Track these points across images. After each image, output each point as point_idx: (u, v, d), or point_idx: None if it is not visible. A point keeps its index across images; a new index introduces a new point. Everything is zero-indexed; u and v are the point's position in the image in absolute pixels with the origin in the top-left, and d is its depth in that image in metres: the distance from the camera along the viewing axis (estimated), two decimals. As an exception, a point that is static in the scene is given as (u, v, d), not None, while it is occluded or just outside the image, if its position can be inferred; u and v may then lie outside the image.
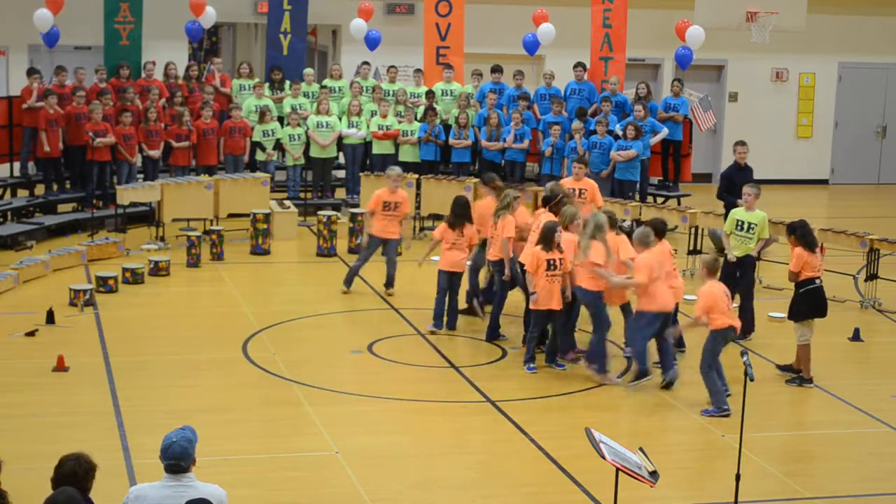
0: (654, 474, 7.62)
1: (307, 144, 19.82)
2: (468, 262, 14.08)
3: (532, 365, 12.49)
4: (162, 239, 17.75)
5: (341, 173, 20.97)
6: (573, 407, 11.63)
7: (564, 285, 12.37)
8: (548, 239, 12.15)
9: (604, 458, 7.40)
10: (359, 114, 19.93)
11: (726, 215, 14.55)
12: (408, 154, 19.74)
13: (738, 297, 14.08)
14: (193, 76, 20.26)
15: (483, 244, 13.92)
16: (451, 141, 19.66)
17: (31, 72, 18.80)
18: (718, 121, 23.76)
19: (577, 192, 15.04)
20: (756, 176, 15.71)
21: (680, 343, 12.88)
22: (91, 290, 14.49)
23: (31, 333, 13.10)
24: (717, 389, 11.37)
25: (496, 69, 20.62)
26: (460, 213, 13.77)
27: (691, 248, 17.04)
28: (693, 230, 17.04)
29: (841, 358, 13.56)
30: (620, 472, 7.47)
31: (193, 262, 16.48)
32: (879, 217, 22.04)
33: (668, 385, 11.93)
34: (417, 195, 18.89)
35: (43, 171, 18.65)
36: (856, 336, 14.08)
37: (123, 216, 18.25)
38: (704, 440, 10.92)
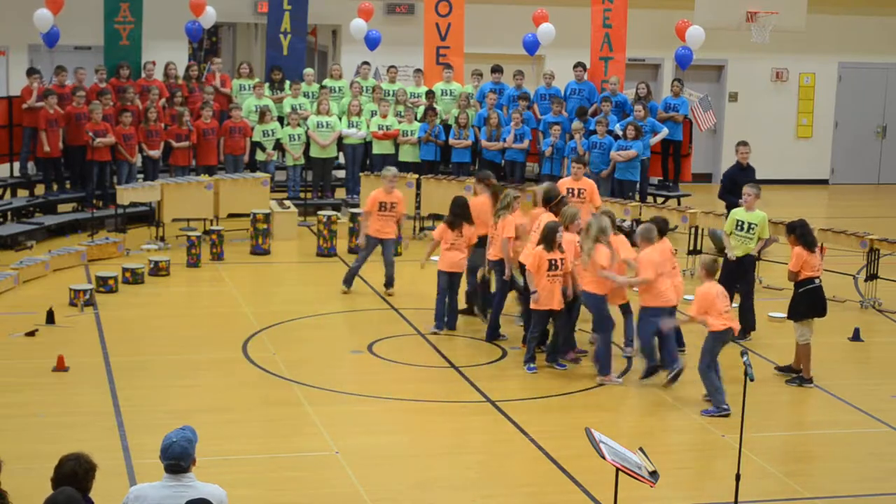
0: (654, 474, 7.62)
1: (307, 144, 19.82)
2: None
3: (532, 365, 12.49)
4: (162, 239, 17.75)
5: (341, 173, 20.97)
6: (573, 407, 11.63)
7: (565, 285, 12.40)
8: (550, 239, 12.17)
9: (604, 458, 7.40)
10: (359, 114, 19.93)
11: (727, 216, 14.55)
12: (408, 154, 19.75)
13: (737, 296, 14.14)
14: (193, 76, 20.26)
15: (478, 244, 13.90)
16: (451, 141, 19.66)
17: (31, 72, 18.80)
18: (718, 121, 23.76)
19: (575, 191, 15.04)
20: (756, 176, 15.71)
21: (680, 342, 12.89)
22: (91, 290, 14.49)
23: (31, 333, 13.11)
24: (716, 389, 11.38)
25: (496, 69, 20.62)
26: (459, 214, 13.77)
27: (691, 248, 17.04)
28: (693, 230, 17.03)
29: (841, 358, 13.56)
30: (620, 472, 7.47)
31: (193, 262, 16.48)
32: (879, 217, 22.04)
33: (675, 377, 11.91)
34: (417, 195, 18.89)
35: (43, 171, 18.65)
36: (856, 336, 14.08)
37: (123, 216, 18.25)
38: (704, 440, 10.92)
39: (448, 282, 13.77)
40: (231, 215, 18.42)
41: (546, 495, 9.54)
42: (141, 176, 19.20)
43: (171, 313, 14.47)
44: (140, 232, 18.30)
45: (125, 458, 9.76)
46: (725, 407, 11.28)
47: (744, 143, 16.03)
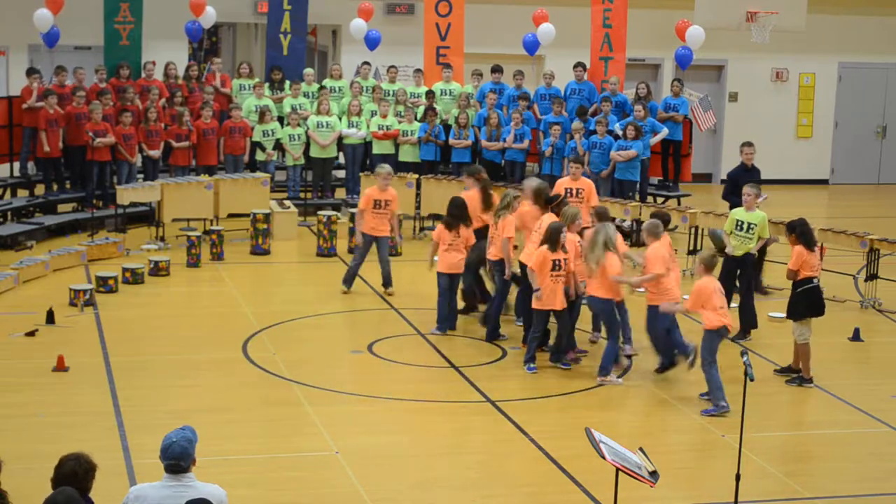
0: (654, 474, 7.62)
1: (307, 144, 19.83)
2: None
3: (532, 365, 12.49)
4: (162, 239, 17.75)
5: (341, 173, 20.97)
6: (573, 407, 11.63)
7: (567, 284, 12.42)
8: (554, 239, 12.20)
9: (604, 458, 7.40)
10: (359, 114, 19.93)
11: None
12: (408, 154, 19.75)
13: (737, 296, 14.15)
14: (193, 76, 20.26)
15: (477, 238, 13.93)
16: (451, 141, 19.66)
17: (31, 72, 18.80)
18: (718, 121, 23.76)
19: (574, 191, 15.05)
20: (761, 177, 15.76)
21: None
22: (91, 290, 14.49)
23: (31, 333, 13.10)
24: (717, 385, 11.40)
25: (496, 69, 20.61)
26: (457, 214, 13.77)
27: (691, 248, 17.04)
28: (693, 230, 17.03)
29: (841, 358, 13.56)
30: (620, 472, 7.47)
31: (193, 262, 16.48)
32: (879, 217, 22.04)
33: (694, 359, 11.92)
34: (417, 195, 18.89)
35: (43, 171, 18.65)
36: (856, 336, 14.08)
37: (123, 216, 18.25)
38: (704, 440, 10.92)
39: (448, 283, 13.77)
40: (231, 215, 18.42)
41: (546, 495, 9.54)
42: (141, 176, 19.20)
43: (171, 313, 14.47)
44: (140, 232, 18.30)
45: (125, 458, 9.75)
46: (724, 404, 11.30)
47: (748, 144, 16.00)
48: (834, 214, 22.36)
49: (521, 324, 13.52)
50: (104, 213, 18.57)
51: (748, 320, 13.90)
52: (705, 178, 24.70)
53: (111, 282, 15.01)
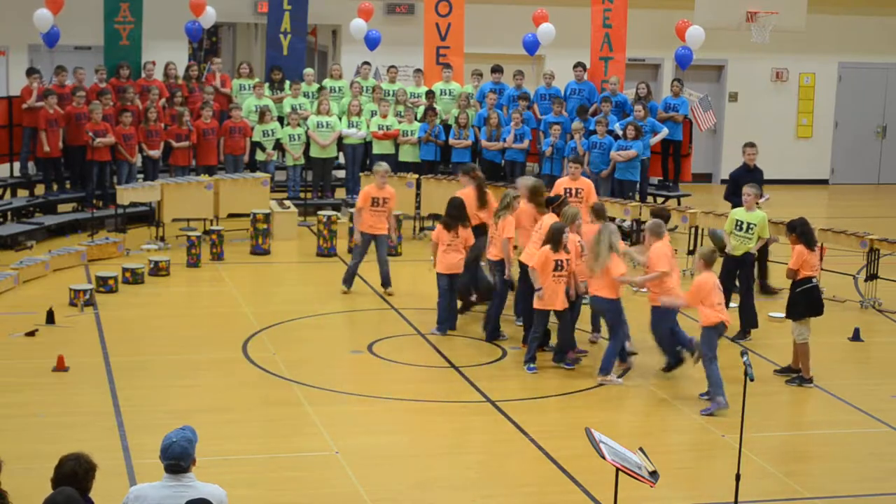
0: (654, 474, 7.62)
1: (307, 144, 19.83)
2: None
3: (532, 365, 12.50)
4: (162, 239, 17.75)
5: (341, 173, 20.97)
6: (573, 407, 11.64)
7: (568, 285, 12.44)
8: (556, 240, 12.22)
9: (604, 458, 7.40)
10: (359, 114, 19.93)
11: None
12: (408, 154, 19.75)
13: (737, 296, 14.15)
14: (193, 76, 20.26)
15: (476, 234, 13.97)
16: (451, 141, 19.66)
17: (31, 72, 18.80)
18: (718, 121, 23.76)
19: (573, 191, 15.05)
20: (764, 178, 15.78)
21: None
22: (91, 290, 14.49)
23: (31, 333, 13.10)
24: (716, 382, 11.44)
25: (496, 69, 20.61)
26: (455, 215, 13.77)
27: (691, 248, 17.04)
28: (693, 230, 17.03)
29: (841, 358, 13.56)
30: (620, 472, 7.47)
31: (193, 262, 16.48)
32: (879, 217, 22.04)
33: (697, 358, 11.94)
34: (417, 195, 18.90)
35: (43, 171, 18.65)
36: (856, 336, 14.08)
37: (123, 216, 18.25)
38: (704, 440, 10.92)
39: (448, 283, 13.77)
40: (231, 215, 18.43)
41: (546, 495, 9.54)
42: (141, 176, 19.20)
43: (171, 313, 14.47)
44: (140, 232, 18.30)
45: (125, 458, 9.76)
46: (723, 401, 11.32)
47: (751, 145, 15.97)
48: (834, 214, 22.36)
49: (521, 323, 13.53)
50: (104, 213, 18.57)
51: (748, 320, 13.90)
52: (705, 178, 24.71)
53: (111, 282, 15.01)
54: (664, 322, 12.21)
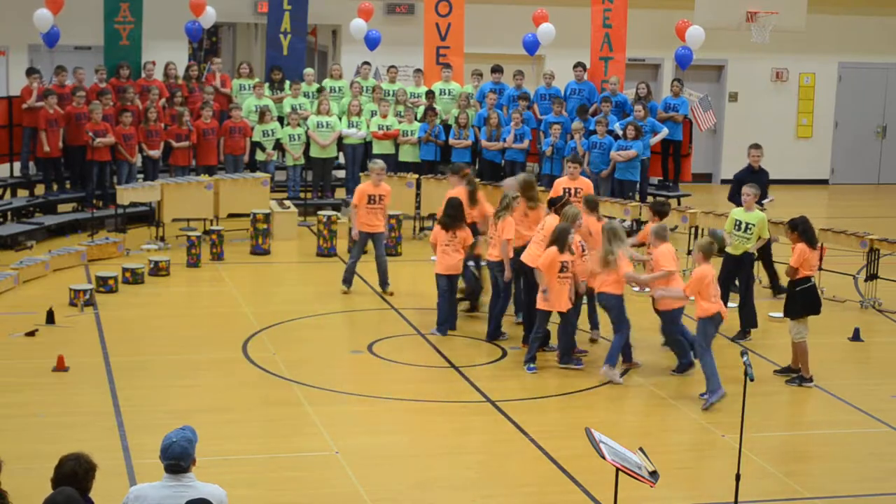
0: (654, 474, 7.62)
1: (307, 144, 19.83)
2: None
3: (532, 365, 12.50)
4: (162, 239, 17.75)
5: (341, 173, 20.97)
6: (573, 407, 11.64)
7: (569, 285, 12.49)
8: (562, 241, 12.22)
9: (604, 458, 7.40)
10: (359, 114, 19.93)
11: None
12: (408, 154, 19.75)
13: (736, 296, 14.14)
14: (193, 76, 20.26)
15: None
16: (451, 141, 19.66)
17: (31, 72, 18.80)
18: (718, 121, 23.76)
19: (572, 191, 15.06)
20: (769, 179, 15.78)
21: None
22: (91, 290, 14.49)
23: (31, 333, 13.10)
24: (711, 371, 11.52)
25: (496, 69, 20.62)
26: (453, 215, 13.76)
27: (691, 248, 17.01)
28: (693, 230, 17.03)
29: (841, 358, 13.56)
30: (620, 472, 7.47)
31: (193, 262, 16.48)
32: (879, 217, 22.04)
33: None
34: (417, 195, 18.91)
35: (43, 171, 18.65)
36: (856, 336, 14.07)
37: (123, 216, 18.25)
38: (704, 440, 10.92)
39: (447, 284, 13.76)
40: (231, 215, 18.43)
41: (546, 495, 9.54)
42: (141, 176, 19.20)
43: (171, 313, 14.47)
44: (140, 232, 18.30)
45: (125, 458, 9.75)
46: (720, 389, 11.41)
47: (756, 147, 15.92)
48: (834, 214, 22.36)
49: (521, 320, 13.53)
50: (104, 213, 18.57)
51: (748, 320, 13.91)
52: (705, 178, 24.71)
53: (111, 282, 15.01)
54: (675, 325, 12.25)
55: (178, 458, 6.19)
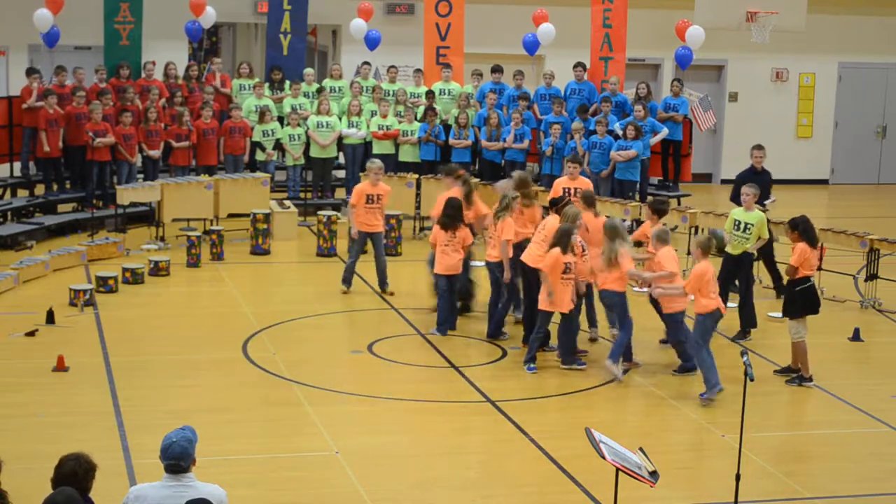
0: (654, 474, 7.62)
1: (307, 144, 19.83)
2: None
3: (532, 365, 12.49)
4: (162, 239, 17.75)
5: (341, 173, 20.97)
6: (573, 407, 11.64)
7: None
8: (565, 242, 12.22)
9: (604, 458, 7.40)
10: (359, 114, 19.94)
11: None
12: (408, 154, 19.75)
13: (736, 296, 14.14)
14: (193, 76, 20.26)
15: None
16: (451, 141, 19.67)
17: (31, 72, 18.80)
18: (718, 121, 23.76)
19: (572, 191, 15.05)
20: (772, 179, 15.78)
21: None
22: (91, 290, 14.49)
23: (31, 333, 13.10)
24: (708, 367, 11.56)
25: (496, 69, 20.62)
26: (452, 215, 13.76)
27: (690, 248, 17.00)
28: (693, 230, 17.02)
29: (841, 358, 13.56)
30: (620, 472, 7.47)
31: (193, 262, 16.48)
32: (879, 217, 22.04)
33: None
34: (417, 195, 18.91)
35: (43, 171, 18.65)
36: (856, 336, 14.07)
37: (123, 216, 18.25)
38: (704, 440, 10.93)
39: (447, 284, 13.76)
40: (231, 215, 18.43)
41: (546, 495, 9.54)
42: (141, 176, 19.20)
43: (171, 313, 14.47)
44: (140, 232, 18.30)
45: (125, 458, 9.75)
46: (717, 383, 11.46)
47: (759, 147, 15.90)
48: (834, 214, 22.36)
49: (520, 317, 13.53)
50: (104, 213, 18.57)
51: (748, 320, 13.91)
52: (705, 178, 24.71)
53: (111, 282, 15.01)
54: (679, 328, 12.28)
55: (178, 458, 6.19)
